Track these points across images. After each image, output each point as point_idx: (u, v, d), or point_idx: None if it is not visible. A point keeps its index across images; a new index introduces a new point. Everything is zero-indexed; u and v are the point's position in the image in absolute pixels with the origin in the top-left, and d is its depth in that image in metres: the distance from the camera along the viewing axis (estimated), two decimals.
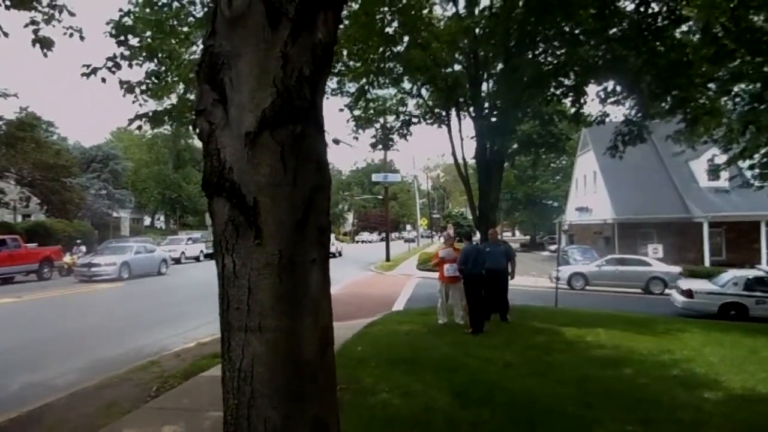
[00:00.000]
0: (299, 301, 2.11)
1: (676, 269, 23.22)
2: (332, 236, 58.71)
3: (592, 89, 18.52)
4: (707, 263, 28.16)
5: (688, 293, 16.41)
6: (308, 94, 2.09)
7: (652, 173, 32.56)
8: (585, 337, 10.22)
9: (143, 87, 8.05)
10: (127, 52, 7.48)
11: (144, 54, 7.63)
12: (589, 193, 37.54)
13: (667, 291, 21.59)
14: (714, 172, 28.78)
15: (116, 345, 10.47)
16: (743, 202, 26.18)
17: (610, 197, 32.18)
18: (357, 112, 13.93)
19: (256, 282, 2.09)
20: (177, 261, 33.70)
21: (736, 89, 10.63)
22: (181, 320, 13.11)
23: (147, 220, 67.30)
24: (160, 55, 7.72)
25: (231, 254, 2.13)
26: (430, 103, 14.88)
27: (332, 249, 54.88)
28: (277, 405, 2.09)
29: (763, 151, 15.15)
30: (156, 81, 8.04)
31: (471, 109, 13.21)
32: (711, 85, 9.35)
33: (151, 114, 8.04)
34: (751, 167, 16.38)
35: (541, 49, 9.64)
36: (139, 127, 8.34)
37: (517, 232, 75.24)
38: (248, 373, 2.10)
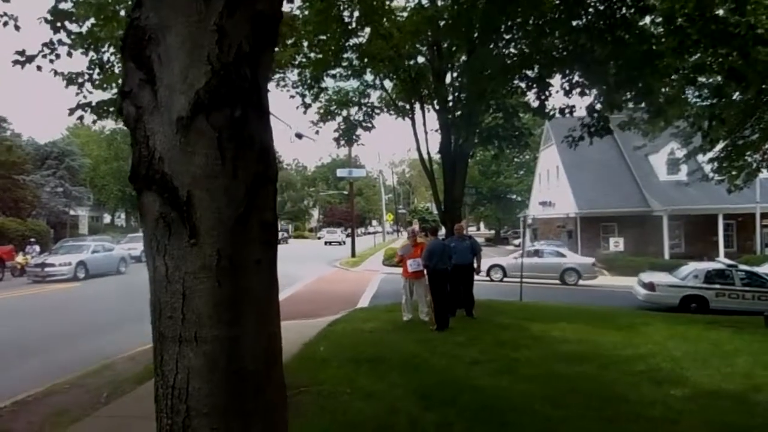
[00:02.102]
0: (241, 308, 1.88)
1: (590, 260, 24.24)
2: (340, 228, 58.38)
3: (556, 81, 18.63)
4: (667, 256, 28.73)
5: (650, 286, 16.61)
6: (248, 73, 1.85)
7: (613, 168, 33.08)
8: (550, 332, 10.18)
9: (86, 77, 7.62)
10: (68, 40, 7.05)
11: (87, 42, 7.20)
12: (552, 187, 37.95)
13: (581, 282, 22.80)
14: (674, 165, 29.34)
15: (69, 348, 10.02)
16: (701, 195, 26.75)
17: (572, 191, 32.56)
18: (317, 104, 13.64)
19: (192, 287, 1.84)
20: (138, 259, 32.83)
21: (699, 81, 10.72)
22: (138, 320, 12.50)
23: (107, 218, 65.59)
24: (106, 43, 7.31)
25: (163, 256, 1.88)
26: (394, 95, 14.68)
27: (337, 238, 55.74)
28: (216, 425, 1.85)
29: (722, 145, 15.42)
30: (99, 70, 7.60)
31: (435, 101, 13.06)
32: (674, 76, 9.37)
33: (93, 104, 7.59)
34: (711, 161, 16.66)
35: (505, 41, 9.51)
36: (81, 118, 7.84)
37: (482, 227, 75.81)
38: (183, 390, 1.85)
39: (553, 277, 22.90)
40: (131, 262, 28.58)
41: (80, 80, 7.58)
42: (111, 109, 7.72)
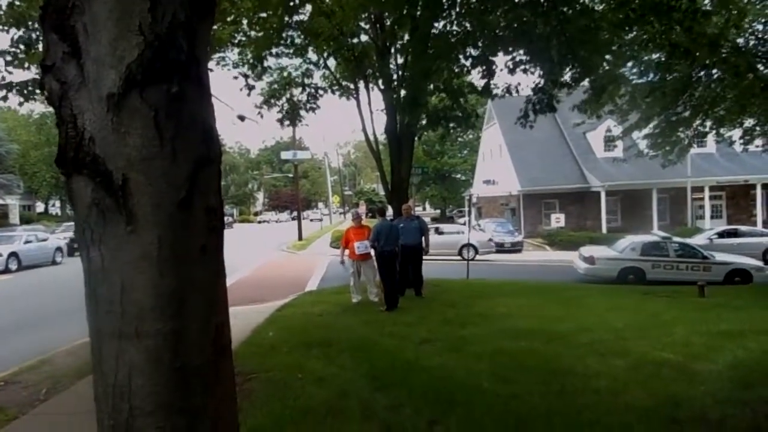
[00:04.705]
0: (185, 299, 1.75)
1: (486, 237, 25.80)
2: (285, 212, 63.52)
3: (501, 60, 18.78)
4: (604, 230, 29.71)
5: (590, 260, 17.12)
6: (185, 45, 1.70)
7: (553, 146, 33.85)
8: (496, 308, 10.34)
9: (8, 57, 7.11)
10: None
11: (10, 19, 6.70)
12: (495, 166, 38.50)
13: (478, 257, 23.33)
14: (610, 142, 30.22)
15: (2, 344, 9.52)
16: (636, 171, 27.69)
17: (515, 170, 33.14)
18: (261, 87, 13.28)
19: (131, 278, 1.70)
20: (74, 248, 31.56)
21: (640, 58, 10.96)
22: (76, 313, 12.03)
23: (40, 207, 62.69)
24: (29, 21, 6.83)
25: (98, 245, 1.73)
26: (338, 74, 14.46)
27: (268, 218, 57.88)
28: (162, 423, 1.73)
29: (656, 121, 15.94)
30: (24, 49, 7.11)
31: (380, 81, 12.93)
32: (612, 54, 9.50)
33: (16, 85, 7.07)
34: (646, 137, 17.20)
35: (448, 18, 9.43)
36: (4, 98, 7.31)
37: (428, 206, 76.40)
38: (125, 388, 1.72)
39: (452, 253, 23.49)
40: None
41: (3, 58, 7.04)
42: (37, 90, 7.24)
